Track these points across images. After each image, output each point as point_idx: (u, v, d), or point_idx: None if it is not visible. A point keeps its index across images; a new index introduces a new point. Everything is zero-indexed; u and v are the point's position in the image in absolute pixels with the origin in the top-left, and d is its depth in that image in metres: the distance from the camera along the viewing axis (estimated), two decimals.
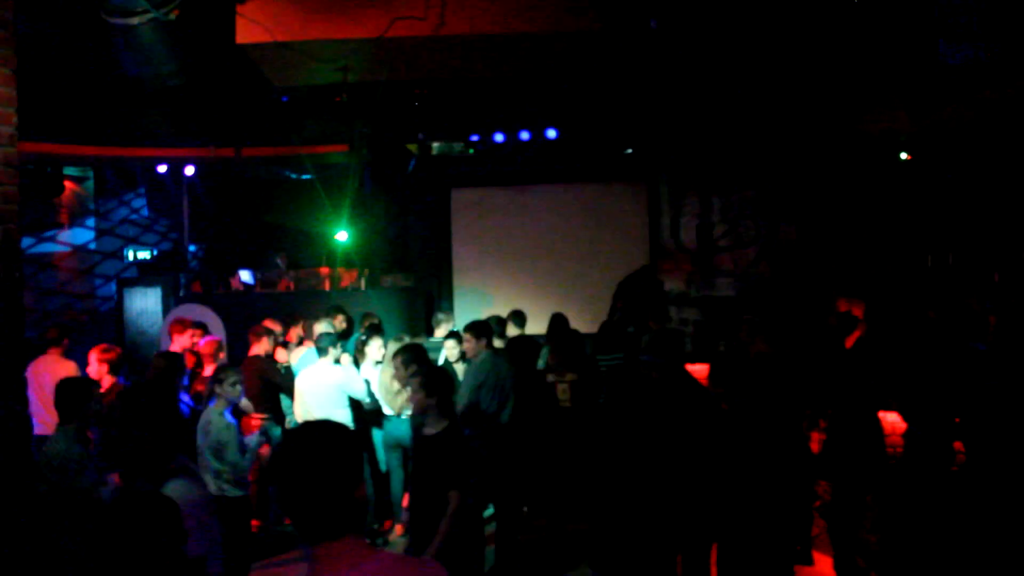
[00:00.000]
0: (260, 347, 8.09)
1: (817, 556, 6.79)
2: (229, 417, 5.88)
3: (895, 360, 6.81)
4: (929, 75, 8.12)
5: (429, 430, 5.13)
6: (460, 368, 7.66)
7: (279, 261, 12.33)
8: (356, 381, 7.50)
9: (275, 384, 7.89)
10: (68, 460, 4.59)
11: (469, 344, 7.24)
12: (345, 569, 2.00)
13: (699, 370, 9.63)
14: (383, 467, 7.93)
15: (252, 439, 6.05)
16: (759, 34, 7.48)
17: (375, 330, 8.48)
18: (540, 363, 8.53)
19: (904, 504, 4.76)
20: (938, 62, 7.61)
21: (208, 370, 7.43)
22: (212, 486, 5.72)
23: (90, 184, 13.19)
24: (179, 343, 8.12)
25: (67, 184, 12.37)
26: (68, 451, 4.62)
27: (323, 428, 2.16)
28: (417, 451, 5.34)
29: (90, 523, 4.63)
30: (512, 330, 9.20)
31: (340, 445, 2.09)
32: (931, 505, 4.50)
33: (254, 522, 7.82)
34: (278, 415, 7.93)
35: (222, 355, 7.80)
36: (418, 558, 2.15)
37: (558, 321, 8.89)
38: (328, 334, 7.70)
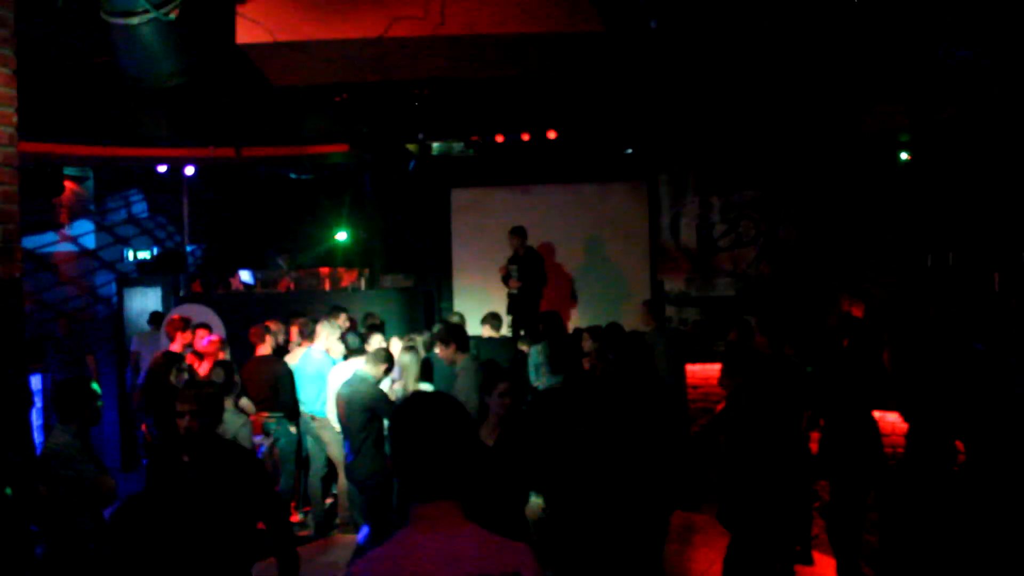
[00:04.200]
0: (265, 347, 8.13)
1: (817, 556, 6.80)
2: (237, 413, 5.92)
3: (896, 359, 6.82)
4: (929, 75, 8.13)
5: None
6: None
7: (281, 261, 12.33)
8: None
9: (286, 383, 7.91)
10: (73, 451, 4.63)
11: (441, 351, 7.19)
12: (433, 530, 2.17)
13: (699, 370, 9.70)
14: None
15: (262, 447, 6.10)
16: (759, 34, 7.48)
17: (375, 329, 8.50)
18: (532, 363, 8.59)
19: (905, 504, 4.75)
20: (938, 62, 7.62)
21: (206, 368, 7.45)
22: None
23: (90, 184, 13.18)
24: (180, 341, 8.15)
25: (67, 184, 12.37)
26: (71, 444, 4.66)
27: (446, 397, 2.39)
28: None
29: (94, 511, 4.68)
30: (488, 332, 9.19)
31: (462, 412, 2.30)
32: (932, 505, 4.50)
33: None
34: (290, 413, 7.95)
35: (222, 355, 7.82)
36: (506, 539, 2.28)
37: (552, 320, 8.90)
38: (357, 333, 7.81)
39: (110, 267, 13.18)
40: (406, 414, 2.28)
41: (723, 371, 5.42)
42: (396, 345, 7.88)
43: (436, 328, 7.76)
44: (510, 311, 10.71)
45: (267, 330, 8.25)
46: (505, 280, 10.97)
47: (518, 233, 10.95)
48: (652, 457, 5.28)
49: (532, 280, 10.90)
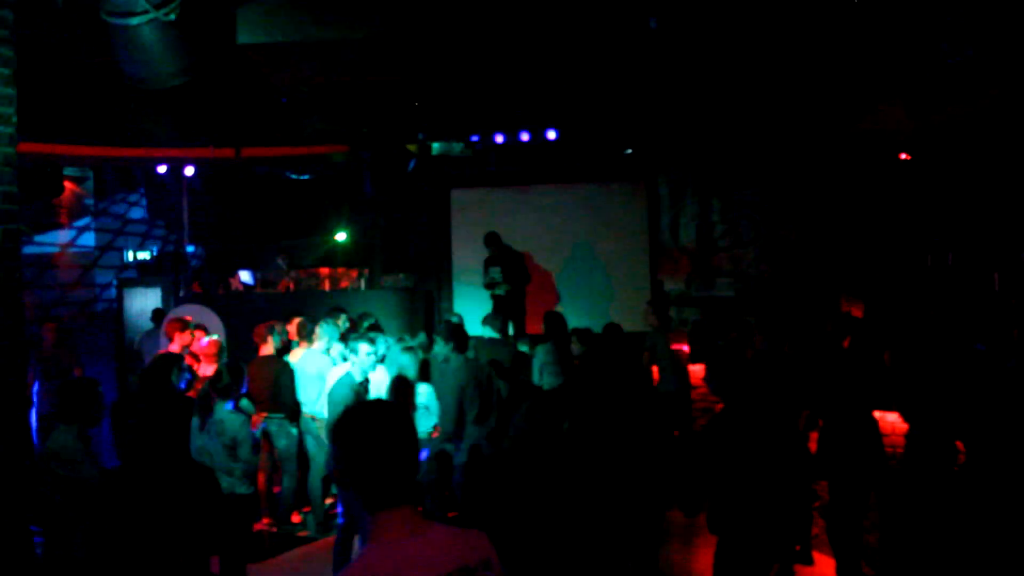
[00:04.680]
0: (268, 347, 8.09)
1: (817, 556, 6.79)
2: (239, 413, 5.92)
3: (896, 359, 6.80)
4: (928, 74, 8.13)
5: None
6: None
7: (280, 261, 12.33)
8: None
9: (288, 383, 7.88)
10: (75, 452, 4.63)
11: (441, 348, 7.24)
12: (402, 535, 2.18)
13: (699, 370, 9.69)
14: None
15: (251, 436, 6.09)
16: (759, 34, 7.48)
17: (373, 330, 8.50)
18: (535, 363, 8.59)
19: (905, 504, 4.76)
20: (937, 61, 7.62)
21: (208, 370, 7.44)
22: (223, 484, 5.75)
23: (90, 184, 13.20)
24: (179, 342, 8.14)
25: (67, 184, 12.37)
26: (74, 445, 4.66)
27: (387, 405, 2.43)
28: None
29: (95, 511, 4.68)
30: (489, 333, 9.18)
31: (404, 420, 2.30)
32: (932, 505, 4.51)
33: (265, 520, 7.86)
34: (291, 414, 7.93)
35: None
36: (465, 529, 2.33)
37: (555, 320, 8.89)
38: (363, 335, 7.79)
39: (110, 267, 13.19)
40: (354, 425, 2.26)
41: (707, 370, 5.42)
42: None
43: (440, 328, 7.78)
44: (497, 312, 10.77)
45: (272, 330, 8.22)
46: (491, 287, 11.12)
47: (494, 240, 11.21)
48: (636, 457, 5.28)
49: (518, 278, 11.12)
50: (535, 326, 11.71)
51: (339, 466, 2.25)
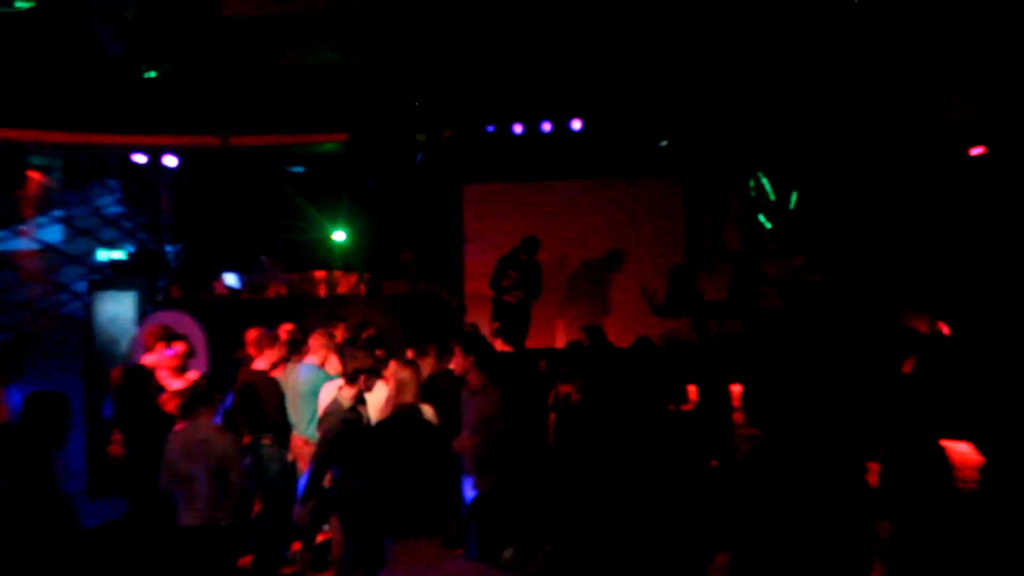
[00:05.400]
0: (263, 360, 8.03)
1: None
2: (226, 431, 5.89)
3: (968, 383, 6.72)
4: (1003, 60, 8.06)
5: None
6: None
7: (263, 261, 12.31)
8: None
9: (281, 402, 7.85)
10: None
11: (458, 361, 7.18)
12: (419, 565, 2.22)
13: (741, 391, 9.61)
14: None
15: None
16: (814, 10, 7.43)
17: (374, 342, 8.46)
18: None
19: (980, 547, 4.68)
20: (1013, 45, 7.55)
21: (176, 384, 7.41)
22: (205, 516, 5.67)
23: (59, 175, 13.24)
24: (157, 353, 8.14)
25: (32, 175, 12.41)
26: None
27: (422, 427, 2.44)
28: None
29: None
30: (502, 346, 9.16)
31: (439, 437, 2.37)
32: (1012, 548, 4.43)
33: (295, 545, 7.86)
34: (282, 435, 7.88)
35: (190, 373, 7.78)
36: (489, 566, 2.41)
37: (596, 334, 8.87)
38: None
39: (79, 268, 13.22)
40: (379, 445, 2.31)
41: (743, 397, 5.37)
42: None
43: (462, 340, 7.75)
44: (509, 322, 10.79)
45: (272, 341, 8.16)
46: (507, 291, 11.14)
47: (532, 247, 11.34)
48: (661, 487, 5.24)
49: (533, 291, 11.35)
50: (538, 339, 11.70)
51: (369, 486, 2.29)
